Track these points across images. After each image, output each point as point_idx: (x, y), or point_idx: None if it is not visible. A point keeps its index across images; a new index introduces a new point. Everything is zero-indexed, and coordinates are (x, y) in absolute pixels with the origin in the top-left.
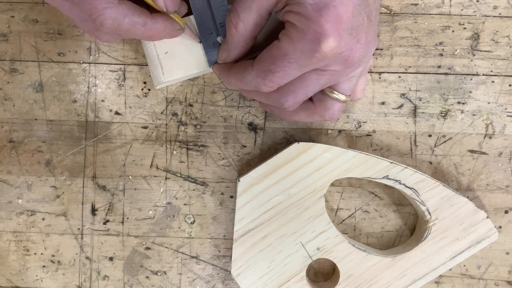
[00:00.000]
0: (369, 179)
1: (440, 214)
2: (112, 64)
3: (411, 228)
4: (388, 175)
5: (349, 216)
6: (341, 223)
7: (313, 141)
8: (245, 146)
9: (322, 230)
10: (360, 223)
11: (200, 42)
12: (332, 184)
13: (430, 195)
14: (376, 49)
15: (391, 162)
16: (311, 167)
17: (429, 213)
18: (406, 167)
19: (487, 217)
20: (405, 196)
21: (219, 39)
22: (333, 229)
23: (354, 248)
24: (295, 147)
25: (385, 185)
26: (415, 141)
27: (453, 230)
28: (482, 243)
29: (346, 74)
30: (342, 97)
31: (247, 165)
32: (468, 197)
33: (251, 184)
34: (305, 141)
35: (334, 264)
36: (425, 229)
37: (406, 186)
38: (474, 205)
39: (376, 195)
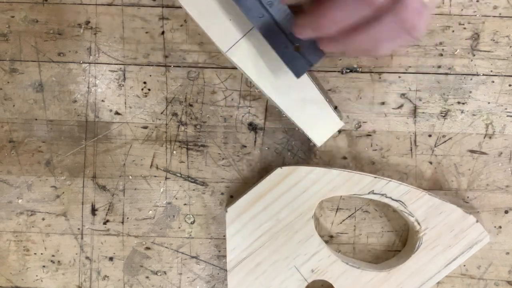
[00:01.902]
0: (355, 196)
1: (430, 223)
2: (112, 64)
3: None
4: (373, 190)
5: (349, 216)
6: (341, 223)
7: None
8: (245, 146)
9: (315, 252)
10: (360, 223)
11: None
12: None
13: (417, 205)
14: None
15: (375, 177)
16: (296, 190)
17: (419, 224)
18: (390, 180)
19: (477, 221)
20: (394, 208)
21: (297, 45)
22: (325, 249)
23: (348, 266)
24: (278, 173)
25: None
26: (415, 141)
27: (445, 238)
28: (475, 247)
29: None
30: None
31: (247, 165)
32: (468, 197)
33: (239, 213)
34: (305, 141)
35: (331, 285)
36: (417, 240)
37: (393, 199)
38: (462, 211)
39: None
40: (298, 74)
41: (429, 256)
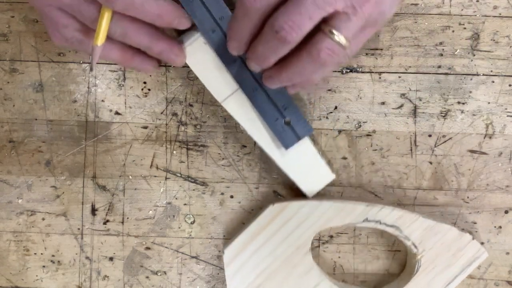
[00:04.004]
0: (350, 225)
1: (427, 245)
2: (112, 64)
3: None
4: (367, 218)
5: None
6: None
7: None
8: (245, 146)
9: (316, 284)
10: None
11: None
12: (332, 184)
13: (412, 228)
14: (376, 49)
15: (367, 205)
16: (290, 225)
17: (415, 247)
18: (383, 207)
19: (473, 239)
20: (390, 233)
21: (287, 119)
22: (326, 280)
23: None
24: (270, 210)
25: (385, 185)
26: (415, 141)
27: (442, 258)
28: (473, 264)
29: (352, 8)
30: (337, 37)
31: (247, 165)
32: (468, 197)
33: (236, 254)
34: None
35: None
36: (415, 262)
37: (387, 225)
38: (457, 230)
39: (376, 195)
40: (286, 147)
41: (429, 277)
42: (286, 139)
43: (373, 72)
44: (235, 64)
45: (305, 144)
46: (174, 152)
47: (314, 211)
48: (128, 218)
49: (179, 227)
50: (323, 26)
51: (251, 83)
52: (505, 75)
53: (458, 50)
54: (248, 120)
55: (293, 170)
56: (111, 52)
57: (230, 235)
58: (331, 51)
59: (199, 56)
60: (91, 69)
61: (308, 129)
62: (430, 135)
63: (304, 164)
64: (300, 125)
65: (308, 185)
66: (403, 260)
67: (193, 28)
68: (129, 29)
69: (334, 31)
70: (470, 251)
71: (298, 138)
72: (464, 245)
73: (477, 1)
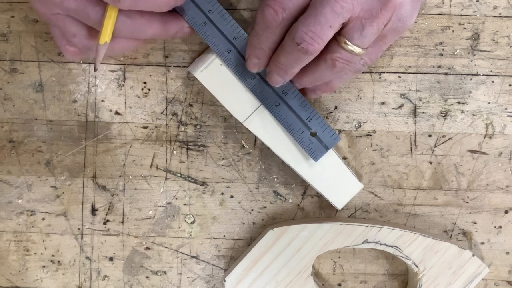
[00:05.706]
0: (350, 247)
1: (427, 263)
2: (112, 64)
3: (411, 228)
4: (367, 239)
5: (349, 216)
6: None
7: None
8: (245, 146)
9: None
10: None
11: (96, 70)
12: None
13: (412, 248)
14: None
15: (367, 226)
16: (291, 250)
17: (416, 266)
18: (382, 227)
19: (473, 255)
20: (391, 253)
21: (313, 130)
22: None
23: None
24: (270, 235)
25: (385, 185)
26: (415, 141)
27: (444, 276)
28: (475, 280)
29: (369, 13)
30: (350, 47)
31: (247, 165)
32: (468, 197)
33: (237, 281)
34: None
35: None
36: (417, 282)
37: (387, 245)
38: (457, 247)
39: (376, 195)
40: (316, 158)
41: None
42: (315, 150)
43: (373, 72)
44: (254, 82)
45: (331, 155)
46: (174, 152)
47: (314, 234)
48: (128, 218)
49: (179, 227)
50: (337, 36)
51: (273, 99)
52: (505, 75)
53: (458, 50)
54: (271, 137)
55: (321, 183)
56: (125, 45)
57: (230, 235)
58: (346, 61)
59: (217, 78)
60: (95, 69)
61: (335, 138)
62: (430, 135)
63: (331, 176)
64: (326, 135)
65: (337, 197)
66: (403, 260)
67: (207, 50)
68: (142, 24)
69: (347, 42)
70: (471, 268)
71: (326, 148)
72: (465, 262)
73: (477, 1)
